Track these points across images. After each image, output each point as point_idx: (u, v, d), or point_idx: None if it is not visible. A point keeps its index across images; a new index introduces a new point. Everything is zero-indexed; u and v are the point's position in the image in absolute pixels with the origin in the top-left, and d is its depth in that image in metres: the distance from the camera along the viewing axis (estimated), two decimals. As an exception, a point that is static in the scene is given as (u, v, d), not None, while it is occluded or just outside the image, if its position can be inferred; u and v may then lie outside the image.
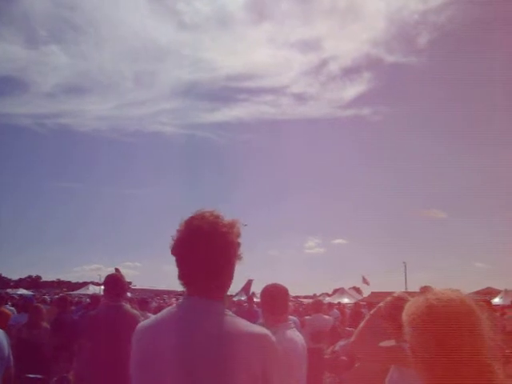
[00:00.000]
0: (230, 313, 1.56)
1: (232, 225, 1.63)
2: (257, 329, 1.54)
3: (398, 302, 2.72)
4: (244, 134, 70.97)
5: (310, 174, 73.11)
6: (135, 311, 4.45)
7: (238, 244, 1.64)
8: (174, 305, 1.63)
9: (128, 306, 4.32)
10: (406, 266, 33.65)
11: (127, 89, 67.54)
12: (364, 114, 64.39)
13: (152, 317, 1.69)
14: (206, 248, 1.56)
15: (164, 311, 1.63)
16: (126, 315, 4.04)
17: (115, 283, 4.22)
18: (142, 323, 1.66)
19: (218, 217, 1.62)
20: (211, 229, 1.58)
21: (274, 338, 1.54)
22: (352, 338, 3.07)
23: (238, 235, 1.64)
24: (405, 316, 1.39)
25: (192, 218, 1.62)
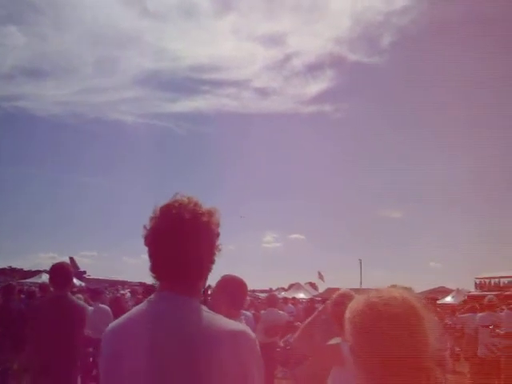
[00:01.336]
0: (207, 309, 1.44)
1: (212, 213, 1.51)
2: (235, 326, 1.41)
3: (342, 299, 2.73)
4: (204, 126, 70.28)
5: (269, 169, 73.15)
6: (81, 302, 4.33)
7: (218, 234, 1.52)
8: (145, 301, 1.48)
9: (73, 297, 4.19)
10: (361, 263, 34.28)
11: (88, 74, 65.55)
12: (326, 111, 64.95)
13: (122, 316, 1.51)
14: (185, 238, 1.42)
15: (134, 309, 1.49)
16: (70, 306, 3.91)
17: (60, 272, 4.07)
18: (112, 324, 1.50)
19: (196, 204, 1.49)
20: (192, 217, 1.44)
21: (253, 335, 1.44)
22: (296, 334, 3.06)
23: (218, 224, 1.52)
24: (346, 314, 1.34)
25: (169, 206, 1.47)
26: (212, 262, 1.52)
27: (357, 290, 2.82)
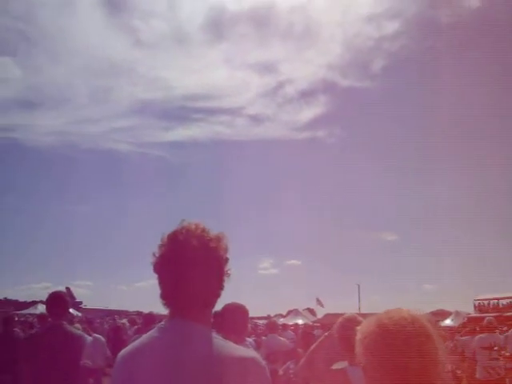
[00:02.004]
0: (218, 335, 1.45)
1: (219, 238, 1.51)
2: (245, 352, 1.43)
3: (348, 323, 2.76)
4: (199, 154, 70.41)
5: (264, 194, 73.09)
6: (78, 331, 4.25)
7: (227, 259, 1.53)
8: (156, 328, 1.49)
9: (70, 326, 4.12)
10: (359, 288, 34.15)
11: (82, 104, 65.90)
12: (319, 136, 65.38)
13: (132, 344, 1.54)
14: (194, 264, 1.43)
15: (145, 337, 1.50)
16: (66, 336, 3.84)
17: (57, 301, 4.03)
18: (122, 352, 1.52)
19: (204, 230, 1.49)
20: (199, 243, 1.45)
21: (263, 362, 1.45)
22: (302, 361, 3.07)
23: (226, 250, 1.53)
24: (358, 335, 1.37)
25: (176, 233, 1.48)
26: (221, 287, 1.52)
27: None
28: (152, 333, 1.49)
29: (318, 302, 34.18)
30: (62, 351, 3.68)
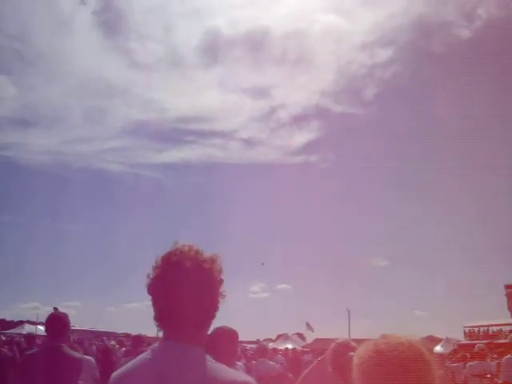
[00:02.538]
0: (212, 359, 1.44)
1: (214, 260, 1.51)
2: (241, 377, 1.43)
3: (341, 349, 2.75)
4: (191, 176, 70.46)
5: (255, 218, 72.94)
6: (77, 353, 4.25)
7: (221, 281, 1.52)
8: (149, 350, 1.48)
9: (68, 348, 4.12)
10: (349, 313, 33.86)
11: (75, 124, 66.18)
12: (312, 161, 65.79)
13: (125, 366, 1.53)
14: (188, 286, 1.42)
15: (138, 359, 1.49)
16: (65, 358, 3.82)
17: (57, 323, 4.03)
18: (116, 374, 1.52)
19: (198, 252, 1.49)
20: (193, 265, 1.45)
21: None
22: None
23: (221, 271, 1.52)
24: (355, 360, 1.37)
25: (170, 254, 1.48)
26: (216, 309, 1.51)
27: None
28: (145, 355, 1.48)
29: (308, 326, 33.89)
30: (60, 373, 3.64)
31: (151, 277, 1.49)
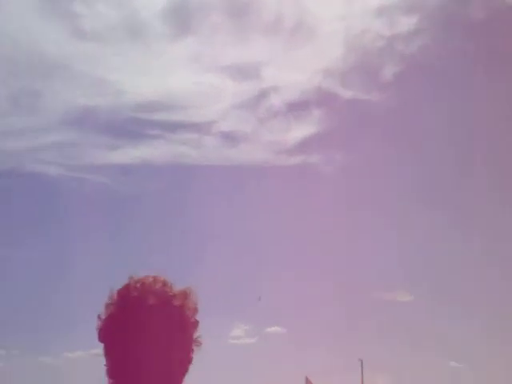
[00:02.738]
0: None
1: (186, 295, 1.28)
2: None
3: None
4: (154, 182, 59.74)
5: (238, 238, 62.99)
6: None
7: (196, 323, 1.29)
8: None
9: None
10: (362, 364, 32.69)
11: (2, 112, 57.31)
12: (313, 163, 57.97)
13: None
14: (152, 331, 1.19)
15: None
16: None
17: None
18: None
19: (165, 284, 1.26)
20: (160, 301, 1.22)
21: None
22: None
23: (195, 310, 1.29)
24: None
25: (129, 287, 1.24)
26: (189, 360, 1.27)
27: None
28: None
29: (308, 382, 32.93)
30: None
31: (103, 317, 1.23)
